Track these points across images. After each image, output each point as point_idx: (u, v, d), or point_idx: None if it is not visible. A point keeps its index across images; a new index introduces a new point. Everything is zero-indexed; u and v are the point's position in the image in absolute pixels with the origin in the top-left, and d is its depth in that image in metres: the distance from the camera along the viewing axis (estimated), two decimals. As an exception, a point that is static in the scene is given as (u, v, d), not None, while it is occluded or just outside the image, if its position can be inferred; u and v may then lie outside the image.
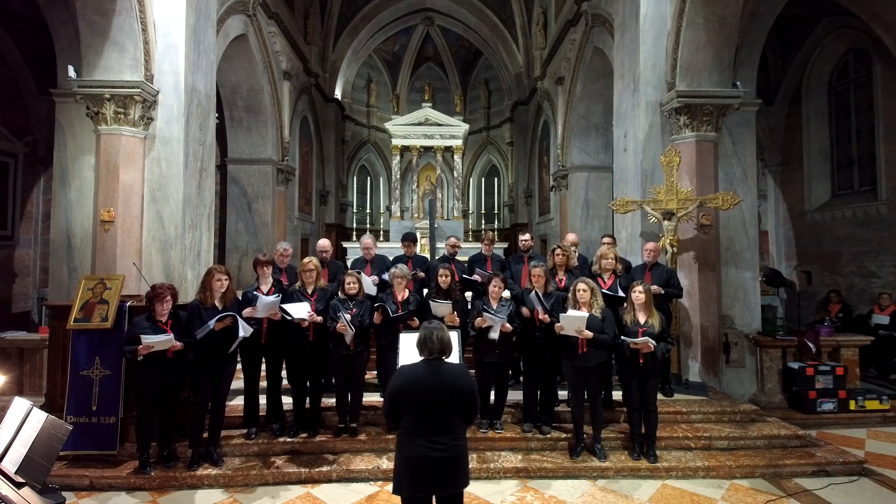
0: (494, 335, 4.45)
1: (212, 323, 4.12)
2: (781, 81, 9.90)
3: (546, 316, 4.50)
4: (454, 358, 3.82)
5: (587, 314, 4.29)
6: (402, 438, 2.70)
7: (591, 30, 8.79)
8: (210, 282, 4.31)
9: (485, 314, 4.46)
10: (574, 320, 4.24)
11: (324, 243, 5.63)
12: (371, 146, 17.10)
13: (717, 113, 6.14)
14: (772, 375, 6.12)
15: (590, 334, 4.25)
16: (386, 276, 5.17)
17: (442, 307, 4.58)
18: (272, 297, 4.46)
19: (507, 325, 4.46)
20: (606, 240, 5.82)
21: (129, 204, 5.69)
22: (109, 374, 4.44)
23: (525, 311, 4.66)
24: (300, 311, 4.40)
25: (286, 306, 4.44)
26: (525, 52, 14.27)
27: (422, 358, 2.82)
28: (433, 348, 2.77)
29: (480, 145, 17.67)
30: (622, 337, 4.32)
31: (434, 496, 2.69)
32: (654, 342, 4.24)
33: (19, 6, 8.30)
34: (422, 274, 5.73)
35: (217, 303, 4.30)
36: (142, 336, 3.91)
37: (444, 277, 4.81)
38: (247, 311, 4.36)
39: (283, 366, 4.83)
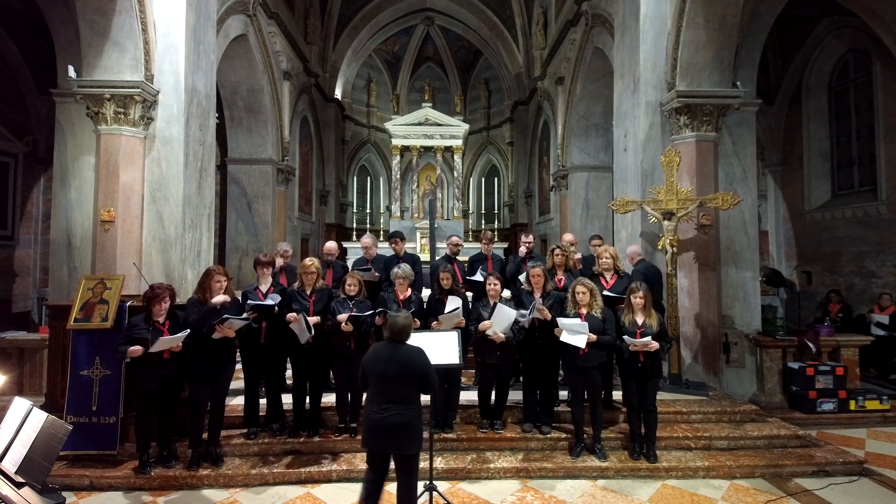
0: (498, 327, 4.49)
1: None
2: (781, 81, 9.90)
3: (546, 312, 4.48)
4: (455, 358, 3.84)
5: (586, 323, 4.29)
6: (366, 403, 3.26)
7: (591, 30, 8.79)
8: (209, 282, 4.32)
9: (493, 321, 4.43)
10: (574, 331, 4.26)
11: (331, 246, 5.73)
12: (371, 146, 17.09)
13: (717, 113, 6.14)
14: (772, 375, 6.12)
15: (594, 337, 4.26)
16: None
17: (451, 319, 4.53)
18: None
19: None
20: (595, 241, 5.96)
21: (129, 204, 5.70)
22: (109, 374, 4.44)
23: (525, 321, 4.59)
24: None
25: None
26: (525, 52, 14.26)
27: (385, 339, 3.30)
28: (404, 334, 3.27)
29: (480, 145, 17.66)
30: (624, 337, 4.33)
31: (392, 456, 3.22)
32: (655, 343, 4.25)
33: (19, 6, 8.30)
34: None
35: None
36: (157, 339, 3.94)
37: (445, 280, 4.81)
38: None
39: (288, 365, 4.83)
